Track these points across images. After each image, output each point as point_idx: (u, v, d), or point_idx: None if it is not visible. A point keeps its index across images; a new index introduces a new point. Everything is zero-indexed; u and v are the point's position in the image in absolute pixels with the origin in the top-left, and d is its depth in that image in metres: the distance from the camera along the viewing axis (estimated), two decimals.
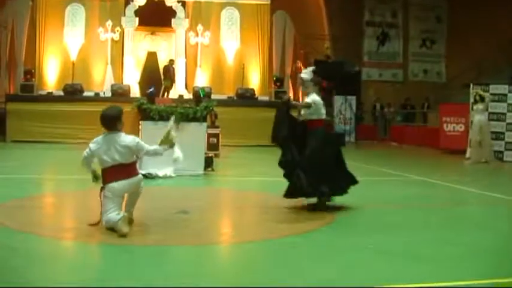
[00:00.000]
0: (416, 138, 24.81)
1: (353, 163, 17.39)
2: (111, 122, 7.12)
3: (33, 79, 24.04)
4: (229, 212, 9.07)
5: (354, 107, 26.76)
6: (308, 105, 8.84)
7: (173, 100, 20.47)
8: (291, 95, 27.90)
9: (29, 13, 26.48)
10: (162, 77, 25.05)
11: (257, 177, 13.39)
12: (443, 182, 12.86)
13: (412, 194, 11.22)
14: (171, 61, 25.25)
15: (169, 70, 24.93)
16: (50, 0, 26.19)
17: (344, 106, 26.48)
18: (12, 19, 26.42)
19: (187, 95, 24.30)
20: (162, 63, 26.06)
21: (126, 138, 7.10)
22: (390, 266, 5.83)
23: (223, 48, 26.91)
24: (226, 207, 9.57)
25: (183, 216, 8.13)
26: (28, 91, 23.02)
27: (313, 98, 8.89)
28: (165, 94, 24.18)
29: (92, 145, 7.15)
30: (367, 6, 30.64)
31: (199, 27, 26.47)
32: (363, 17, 30.69)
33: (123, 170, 7.05)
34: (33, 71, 24.61)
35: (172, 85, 24.93)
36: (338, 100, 26.41)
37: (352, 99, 26.64)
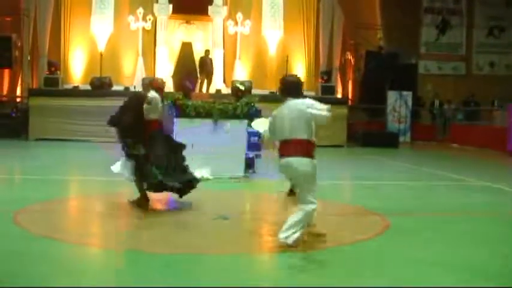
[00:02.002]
0: (481, 139, 24.46)
1: (409, 165, 17.50)
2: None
3: (58, 72, 24.39)
4: (271, 218, 9.08)
5: (410, 104, 26.52)
6: None
7: (211, 95, 20.58)
8: (340, 89, 27.85)
9: (53, 0, 26.80)
10: (198, 70, 25.10)
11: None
12: (511, 189, 12.71)
13: (475, 202, 11.11)
14: (207, 52, 25.19)
15: (206, 62, 24.95)
16: None
17: (399, 102, 26.29)
18: (35, 7, 26.74)
19: (226, 90, 24.42)
20: (198, 54, 26.06)
21: None
22: (450, 281, 5.80)
23: (264, 38, 26.93)
24: (268, 213, 9.59)
25: (223, 222, 8.19)
26: (52, 85, 23.35)
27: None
28: (202, 88, 24.23)
29: None
30: None
31: (239, 16, 26.51)
32: (421, 4, 30.31)
33: None
34: (57, 63, 24.99)
35: (210, 79, 24.91)
36: (392, 96, 26.21)
37: (408, 94, 26.40)
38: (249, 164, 13.32)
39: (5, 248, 6.57)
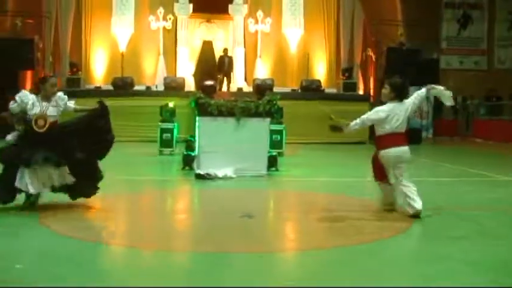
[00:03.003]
0: (504, 134, 24.30)
1: (432, 161, 17.39)
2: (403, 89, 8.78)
3: (80, 72, 24.56)
4: (296, 216, 9.07)
5: (432, 99, 26.33)
6: None
7: (232, 94, 20.61)
8: (362, 85, 27.76)
9: (74, 1, 26.95)
10: (217, 69, 25.12)
11: (325, 177, 13.39)
12: None
13: (500, 197, 11.00)
14: (225, 50, 25.21)
15: (224, 61, 24.99)
16: None
17: None
18: (56, 8, 26.93)
19: (247, 88, 24.45)
20: (218, 53, 26.08)
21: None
22: (480, 279, 5.72)
23: (285, 36, 26.94)
24: (292, 211, 9.58)
25: (248, 220, 8.19)
26: (74, 85, 23.49)
27: None
28: (222, 87, 24.25)
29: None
30: None
31: (259, 14, 26.53)
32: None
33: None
34: (79, 64, 25.16)
35: (229, 77, 24.95)
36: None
37: None
38: (272, 162, 13.31)
39: (33, 247, 6.62)
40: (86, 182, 9.03)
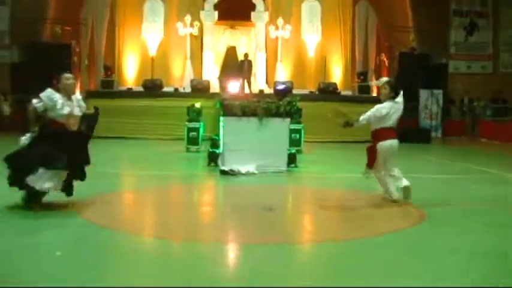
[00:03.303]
0: (509, 135, 24.05)
1: (440, 160, 17.28)
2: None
3: (113, 75, 24.73)
4: (313, 210, 9.05)
5: (441, 101, 26.19)
6: None
7: (255, 95, 20.60)
8: (375, 88, 27.65)
9: (108, 10, 27.23)
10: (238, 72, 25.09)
11: (340, 173, 13.33)
12: None
13: (503, 193, 10.87)
14: (246, 55, 25.18)
15: (244, 65, 24.94)
16: None
17: (430, 100, 25.97)
18: (92, 16, 27.24)
19: (268, 90, 24.44)
20: (242, 57, 26.15)
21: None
22: (491, 269, 5.70)
23: (304, 42, 26.90)
24: (310, 205, 9.55)
25: (268, 213, 8.18)
26: (108, 87, 23.68)
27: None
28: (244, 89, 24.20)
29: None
30: None
31: (280, 21, 26.51)
32: (450, 7, 29.95)
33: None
34: (113, 67, 25.32)
35: (249, 80, 24.92)
36: (424, 94, 25.89)
37: (439, 93, 26.06)
38: (291, 159, 13.29)
39: (73, 236, 6.66)
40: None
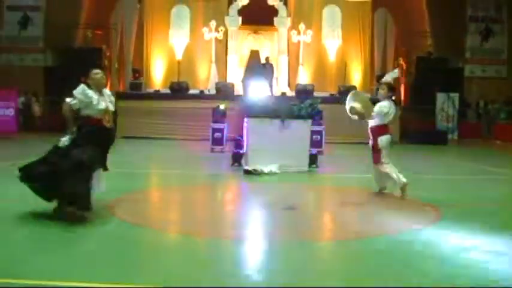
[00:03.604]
0: None
1: (457, 161, 17.17)
2: None
3: (141, 78, 24.91)
4: (335, 209, 9.04)
5: (457, 104, 26.02)
6: None
7: (277, 97, 20.63)
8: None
9: (137, 15, 27.43)
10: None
11: (360, 174, 13.29)
12: None
13: None
14: (267, 58, 25.21)
15: (265, 68, 24.96)
16: (157, 2, 26.98)
17: (447, 103, 25.81)
18: (122, 21, 27.47)
19: (290, 93, 24.48)
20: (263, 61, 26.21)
21: None
22: (505, 267, 5.65)
23: (325, 46, 26.85)
24: (332, 204, 9.55)
25: (290, 212, 8.19)
26: (136, 89, 23.86)
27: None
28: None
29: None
30: (470, 1, 29.61)
31: (302, 26, 26.48)
32: (466, 12, 29.74)
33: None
34: (141, 70, 25.50)
35: (270, 83, 24.96)
36: (440, 97, 25.73)
37: (455, 96, 25.89)
38: (312, 160, 13.28)
39: (104, 234, 6.71)
40: None
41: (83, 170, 7.07)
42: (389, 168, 9.60)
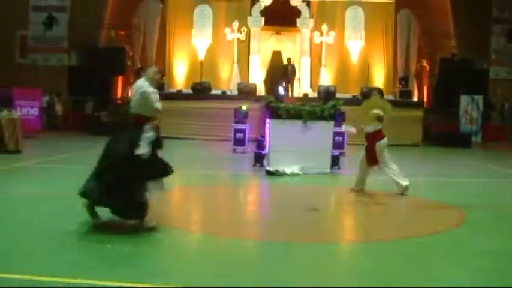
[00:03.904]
0: None
1: (481, 164, 17.02)
2: None
3: (164, 78, 24.96)
4: (357, 211, 9.03)
5: (481, 107, 25.81)
6: None
7: (299, 99, 20.61)
8: (416, 93, 27.45)
9: (160, 15, 27.56)
10: (281, 76, 25.19)
11: (382, 176, 13.22)
12: None
13: None
14: (289, 60, 25.29)
15: (287, 69, 25.01)
16: (179, 2, 27.06)
17: (470, 106, 25.62)
18: (144, 21, 27.63)
19: (312, 94, 24.44)
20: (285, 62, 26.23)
21: None
22: None
23: (347, 48, 26.77)
24: (353, 206, 9.52)
25: (313, 213, 8.18)
26: (159, 89, 23.73)
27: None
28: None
29: None
30: (495, 3, 29.38)
31: (324, 27, 26.43)
32: (491, 14, 29.49)
33: None
34: (163, 70, 25.60)
35: (292, 84, 25.03)
36: (464, 99, 25.54)
37: (479, 98, 25.69)
38: (335, 161, 13.25)
39: (130, 233, 6.76)
40: None
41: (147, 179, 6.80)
42: (392, 171, 10.16)
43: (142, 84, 6.84)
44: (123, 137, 6.82)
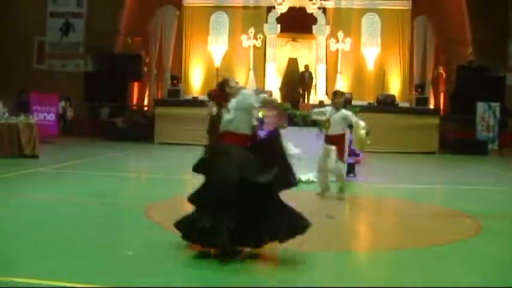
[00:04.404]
0: None
1: (497, 171, 16.93)
2: None
3: (180, 84, 25.06)
4: (373, 219, 9.00)
5: (498, 114, 25.66)
6: None
7: (315, 106, 20.58)
8: (433, 100, 27.32)
9: (176, 22, 27.63)
10: (298, 83, 25.20)
11: (398, 184, 13.21)
12: None
13: None
14: (306, 67, 25.30)
15: (304, 76, 25.02)
16: (196, 9, 27.14)
17: (487, 113, 25.46)
18: (161, 28, 27.74)
19: (328, 101, 24.38)
20: (302, 69, 26.22)
21: None
22: None
23: (363, 55, 26.71)
24: (369, 214, 9.50)
25: (329, 221, 8.16)
26: (175, 96, 24.02)
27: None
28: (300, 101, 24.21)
29: None
30: None
31: (340, 34, 26.38)
32: (507, 20, 29.30)
33: None
34: (179, 77, 25.70)
35: (309, 91, 25.06)
36: (481, 107, 25.39)
37: (496, 105, 25.54)
38: (350, 169, 13.22)
39: (142, 237, 6.78)
40: None
41: None
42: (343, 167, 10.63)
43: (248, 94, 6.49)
44: None
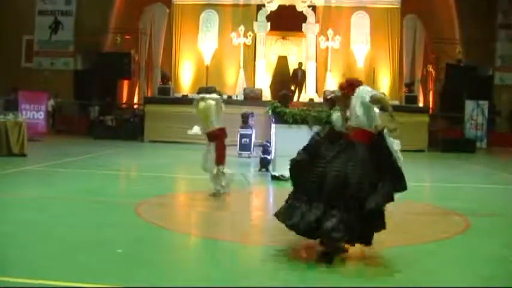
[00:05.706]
0: None
1: (486, 170, 17.02)
2: None
3: (170, 82, 24.99)
4: None
5: (486, 112, 25.77)
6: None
7: (305, 104, 20.62)
8: (422, 98, 27.42)
9: (166, 19, 27.56)
10: (291, 80, 25.23)
11: None
12: None
13: None
14: (300, 64, 25.35)
15: (297, 74, 25.08)
16: (185, 6, 27.06)
17: (476, 111, 25.56)
18: (151, 26, 27.69)
19: (318, 99, 24.44)
20: (292, 67, 26.20)
21: None
22: None
23: (353, 53, 26.73)
24: None
25: None
26: (165, 94, 23.96)
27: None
28: (294, 97, 24.25)
29: None
30: (501, 9, 29.32)
31: (330, 32, 26.38)
32: (496, 20, 29.46)
33: None
34: (169, 74, 25.64)
35: (301, 89, 25.10)
36: (469, 105, 25.48)
37: (484, 104, 25.65)
38: None
39: (131, 235, 6.78)
40: None
41: None
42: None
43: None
44: None
